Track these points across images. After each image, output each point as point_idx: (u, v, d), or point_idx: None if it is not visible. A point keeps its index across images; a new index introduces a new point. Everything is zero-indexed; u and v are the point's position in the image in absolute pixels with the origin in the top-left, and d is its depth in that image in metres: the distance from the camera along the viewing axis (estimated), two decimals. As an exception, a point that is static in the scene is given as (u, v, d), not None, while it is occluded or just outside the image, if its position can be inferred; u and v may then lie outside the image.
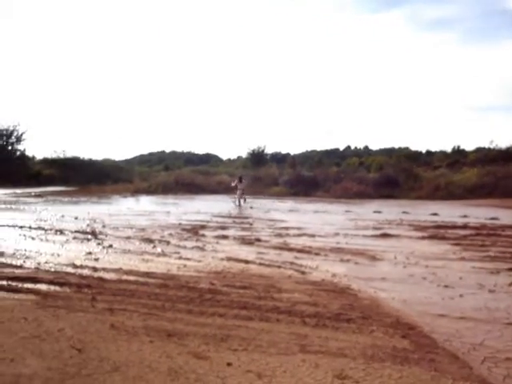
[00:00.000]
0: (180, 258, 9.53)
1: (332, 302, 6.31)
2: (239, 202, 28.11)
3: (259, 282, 7.44)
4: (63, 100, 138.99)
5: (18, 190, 40.30)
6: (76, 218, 17.18)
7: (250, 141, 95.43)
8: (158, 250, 10.44)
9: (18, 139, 63.62)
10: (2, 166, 57.14)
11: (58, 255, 9.60)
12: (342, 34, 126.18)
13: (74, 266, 8.46)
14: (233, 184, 29.67)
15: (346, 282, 7.60)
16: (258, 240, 12.07)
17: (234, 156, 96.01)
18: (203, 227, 14.94)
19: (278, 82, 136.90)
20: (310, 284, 7.39)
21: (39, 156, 70.90)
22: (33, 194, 36.14)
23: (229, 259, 9.38)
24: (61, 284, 7.13)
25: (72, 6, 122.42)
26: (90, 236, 12.47)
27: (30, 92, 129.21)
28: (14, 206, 23.84)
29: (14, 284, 7.12)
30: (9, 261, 8.94)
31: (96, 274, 7.84)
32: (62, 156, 67.39)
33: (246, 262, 9.15)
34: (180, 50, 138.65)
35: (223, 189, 39.29)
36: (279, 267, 8.72)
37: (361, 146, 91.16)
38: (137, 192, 38.94)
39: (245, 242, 11.83)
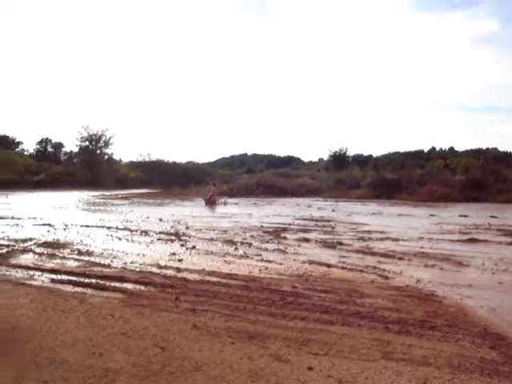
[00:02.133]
0: (262, 260, 9.58)
1: (416, 309, 6.15)
2: (205, 202, 29.94)
3: (341, 286, 7.36)
4: (149, 105, 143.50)
5: (106, 192, 41.99)
6: (160, 220, 17.67)
7: (332, 143, 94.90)
8: (240, 251, 10.54)
9: (106, 143, 66.27)
10: (91, 169, 59.72)
11: (143, 255, 9.89)
12: (424, 30, 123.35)
13: (159, 267, 8.69)
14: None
15: (431, 288, 7.37)
16: (340, 243, 11.96)
17: (315, 158, 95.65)
18: (285, 230, 14.98)
19: (359, 83, 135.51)
20: (394, 289, 7.23)
21: (125, 159, 73.53)
22: (119, 196, 37.53)
23: (311, 262, 9.33)
24: (146, 283, 7.34)
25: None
26: (173, 237, 12.77)
27: (117, 98, 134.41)
28: (102, 208, 24.86)
29: (102, 282, 7.39)
30: (97, 260, 9.30)
31: (179, 275, 8.01)
32: (147, 159, 69.59)
33: (328, 265, 9.07)
34: (262, 55, 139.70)
35: (305, 192, 39.29)
36: (362, 271, 8.58)
37: (446, 147, 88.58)
38: (219, 194, 39.47)
39: (327, 245, 11.75)
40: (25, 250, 10.32)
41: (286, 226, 16.31)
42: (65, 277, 7.79)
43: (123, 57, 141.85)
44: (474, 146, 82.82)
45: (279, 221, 18.16)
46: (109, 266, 8.77)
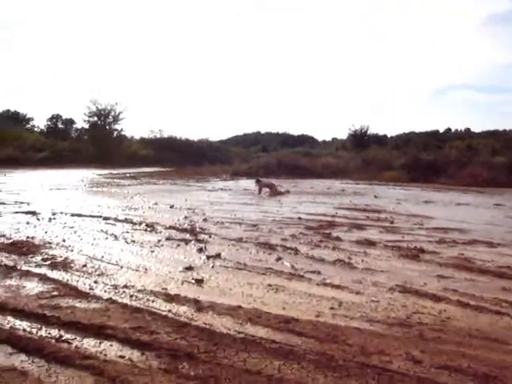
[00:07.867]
0: (324, 283, 6.25)
1: None
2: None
3: (490, 355, 4.05)
4: (161, 80, 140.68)
5: (114, 171, 39.02)
6: (171, 207, 14.41)
7: (346, 121, 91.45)
8: (286, 264, 7.21)
9: (115, 119, 63.06)
10: (99, 145, 56.78)
11: (145, 272, 6.67)
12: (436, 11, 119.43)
13: (166, 298, 5.46)
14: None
15: None
16: (422, 251, 8.48)
17: (328, 137, 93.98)
18: (332, 225, 11.47)
19: (369, 62, 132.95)
20: None
21: (136, 136, 70.83)
22: (127, 175, 34.53)
23: (403, 291, 5.94)
24: (142, 346, 4.09)
25: None
26: (188, 235, 9.52)
27: (128, 72, 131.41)
28: (105, 189, 21.73)
29: (65, 339, 4.18)
30: (74, 281, 6.09)
31: (201, 320, 4.74)
32: (158, 136, 66.74)
33: (435, 298, 5.64)
34: (276, 34, 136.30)
35: (330, 172, 36.06)
36: (499, 314, 5.21)
37: (462, 127, 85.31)
38: (236, 174, 36.43)
39: (404, 253, 8.27)
40: (-23, 259, 7.14)
41: (330, 218, 12.81)
42: (8, 323, 4.57)
43: (135, 31, 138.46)
44: (491, 127, 79.37)
45: (318, 210, 14.61)
46: (87, 296, 5.47)
